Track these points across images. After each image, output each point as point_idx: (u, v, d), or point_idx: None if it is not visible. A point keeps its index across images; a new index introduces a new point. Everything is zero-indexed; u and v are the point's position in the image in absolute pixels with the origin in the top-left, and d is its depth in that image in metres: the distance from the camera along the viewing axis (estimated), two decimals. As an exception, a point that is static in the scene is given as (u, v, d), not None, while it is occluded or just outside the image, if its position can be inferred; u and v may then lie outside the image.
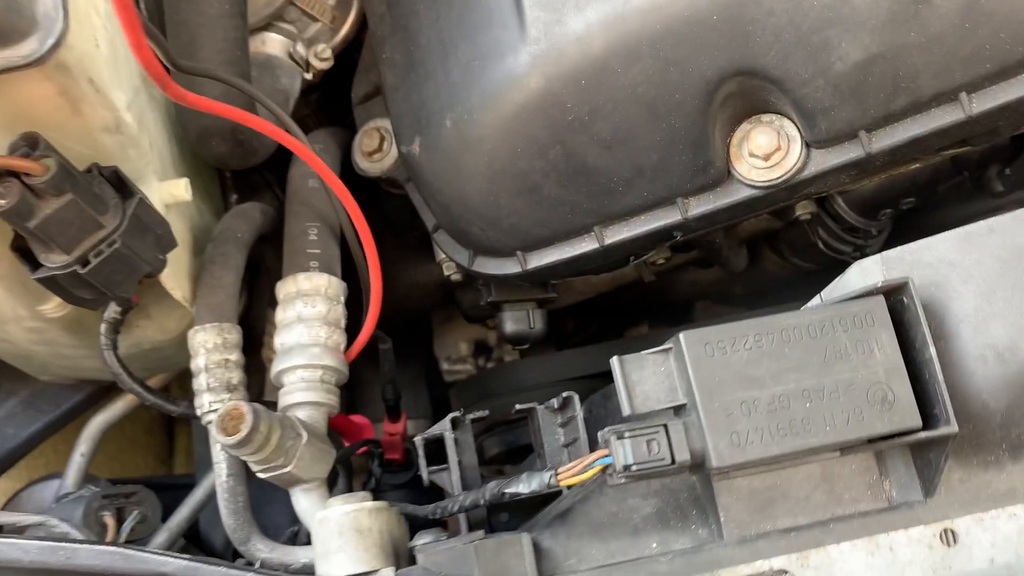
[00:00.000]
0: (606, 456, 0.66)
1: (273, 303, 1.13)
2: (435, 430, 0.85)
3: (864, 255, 1.11)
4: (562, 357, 1.42)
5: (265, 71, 0.97)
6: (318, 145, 0.99)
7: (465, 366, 1.60)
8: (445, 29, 0.83)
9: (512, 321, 0.99)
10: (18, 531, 0.80)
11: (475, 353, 1.57)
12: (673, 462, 0.65)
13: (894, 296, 0.69)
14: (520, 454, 1.26)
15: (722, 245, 1.01)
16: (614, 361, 0.69)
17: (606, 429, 0.69)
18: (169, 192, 0.82)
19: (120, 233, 0.71)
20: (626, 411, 0.68)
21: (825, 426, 0.66)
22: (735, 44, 0.72)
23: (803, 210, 0.97)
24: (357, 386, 1.30)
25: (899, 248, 0.71)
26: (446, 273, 0.99)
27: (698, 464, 0.66)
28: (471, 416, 0.87)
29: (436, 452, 0.87)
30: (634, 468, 0.64)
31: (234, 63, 0.83)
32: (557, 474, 0.68)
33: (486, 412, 0.90)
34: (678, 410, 0.69)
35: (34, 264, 0.71)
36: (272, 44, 0.98)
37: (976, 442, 0.69)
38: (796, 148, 0.78)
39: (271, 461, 0.73)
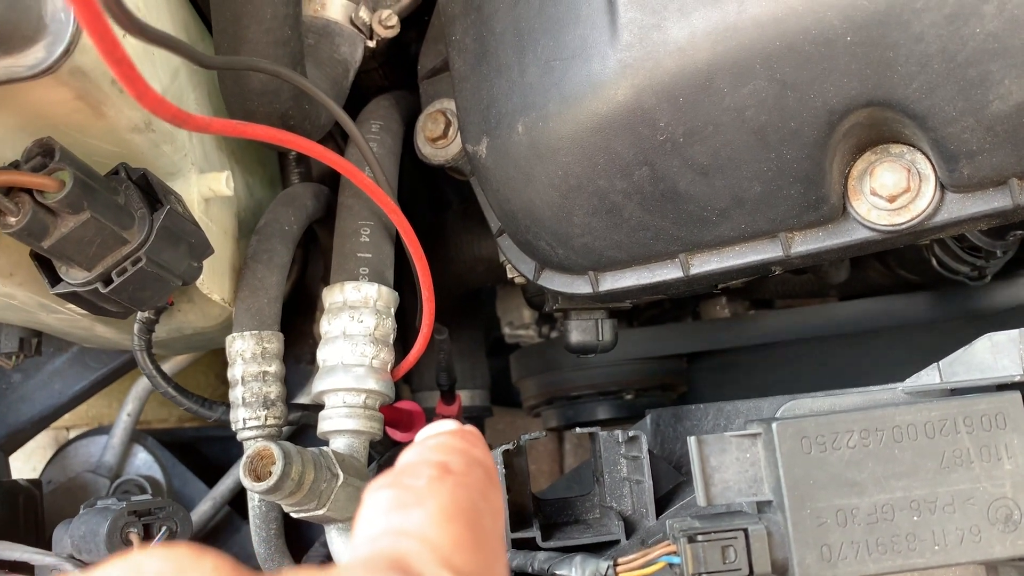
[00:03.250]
0: (672, 553, 0.58)
1: (326, 280, 1.05)
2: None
3: (981, 277, 0.99)
4: (634, 335, 1.33)
5: (323, 39, 0.87)
6: (377, 123, 0.89)
7: (528, 332, 1.52)
8: (524, 18, 0.71)
9: (579, 331, 0.90)
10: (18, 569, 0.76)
11: (539, 320, 1.49)
12: (751, 574, 0.56)
13: (1032, 389, 0.59)
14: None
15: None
16: (691, 442, 0.60)
17: (675, 522, 0.61)
18: (208, 187, 0.74)
19: (146, 250, 0.63)
20: (701, 501, 0.59)
21: (933, 545, 0.56)
22: (870, 71, 0.60)
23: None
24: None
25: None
26: (509, 276, 0.89)
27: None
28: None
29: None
30: (704, 577, 0.56)
31: (284, 43, 0.73)
32: (616, 565, 0.60)
33: (543, 434, 0.83)
34: (761, 506, 0.60)
35: (54, 277, 0.65)
36: (332, 8, 0.87)
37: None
38: (928, 190, 0.65)
39: (303, 504, 0.67)
